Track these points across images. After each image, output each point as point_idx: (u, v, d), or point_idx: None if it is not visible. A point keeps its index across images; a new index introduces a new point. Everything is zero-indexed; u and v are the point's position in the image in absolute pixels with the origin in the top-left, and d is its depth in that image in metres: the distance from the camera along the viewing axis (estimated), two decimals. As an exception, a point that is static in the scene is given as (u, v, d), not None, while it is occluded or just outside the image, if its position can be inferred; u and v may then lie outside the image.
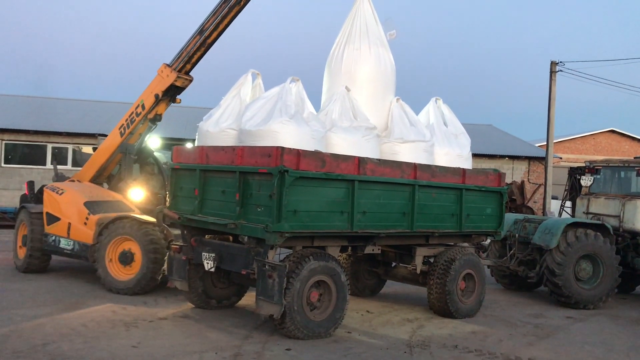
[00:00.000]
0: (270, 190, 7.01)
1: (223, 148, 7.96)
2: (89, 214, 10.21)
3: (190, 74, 10.42)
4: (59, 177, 12.15)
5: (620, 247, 11.82)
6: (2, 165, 22.88)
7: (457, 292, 9.21)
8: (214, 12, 9.85)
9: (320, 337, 7.53)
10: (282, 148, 7.02)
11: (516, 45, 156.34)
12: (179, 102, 10.86)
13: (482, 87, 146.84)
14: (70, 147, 23.28)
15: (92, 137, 19.67)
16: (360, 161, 7.81)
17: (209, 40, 9.96)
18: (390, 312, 9.53)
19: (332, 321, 7.67)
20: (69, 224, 10.45)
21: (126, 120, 10.75)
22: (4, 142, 22.88)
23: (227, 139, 8.39)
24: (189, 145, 9.22)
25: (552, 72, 22.58)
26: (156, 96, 10.35)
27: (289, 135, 7.59)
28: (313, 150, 7.52)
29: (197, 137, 8.91)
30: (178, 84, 10.29)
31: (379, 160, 8.22)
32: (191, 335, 7.48)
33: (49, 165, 22.86)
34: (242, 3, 9.63)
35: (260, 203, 7.27)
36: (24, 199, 12.62)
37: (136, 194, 10.65)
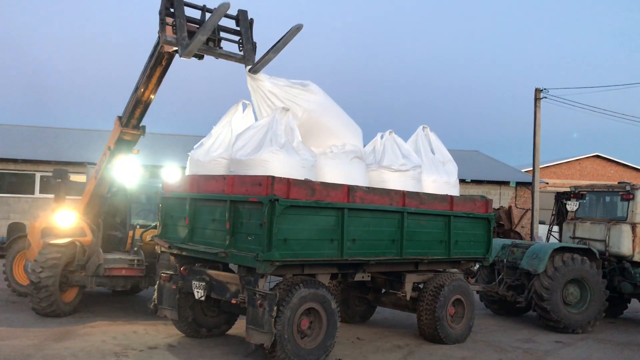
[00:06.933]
0: (261, 219, 7.07)
1: (214, 177, 8.04)
2: (41, 239, 10.57)
3: (140, 126, 9.99)
4: None
5: (607, 271, 11.96)
6: (-10, 194, 22.75)
7: (446, 317, 9.26)
8: (142, 72, 9.43)
9: (311, 365, 7.53)
10: (273, 177, 7.11)
11: (502, 71, 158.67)
12: (137, 153, 10.58)
13: (468, 113, 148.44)
14: (58, 176, 23.15)
15: (81, 165, 19.60)
16: (350, 189, 7.91)
17: (144, 98, 9.53)
18: (380, 339, 9.56)
19: (322, 349, 7.68)
20: (34, 248, 10.87)
21: (97, 166, 10.73)
22: (-9, 171, 22.79)
23: (218, 168, 8.48)
24: (169, 169, 9.75)
25: (537, 99, 22.94)
26: (109, 148, 10.21)
27: (279, 164, 7.66)
28: (303, 179, 7.61)
29: (187, 165, 8.99)
30: (126, 138, 10.00)
31: (368, 188, 8.33)
32: (182, 364, 7.46)
33: (37, 194, 22.79)
34: (163, 63, 8.94)
35: (250, 232, 7.32)
36: (12, 227, 12.76)
37: (63, 217, 10.77)
